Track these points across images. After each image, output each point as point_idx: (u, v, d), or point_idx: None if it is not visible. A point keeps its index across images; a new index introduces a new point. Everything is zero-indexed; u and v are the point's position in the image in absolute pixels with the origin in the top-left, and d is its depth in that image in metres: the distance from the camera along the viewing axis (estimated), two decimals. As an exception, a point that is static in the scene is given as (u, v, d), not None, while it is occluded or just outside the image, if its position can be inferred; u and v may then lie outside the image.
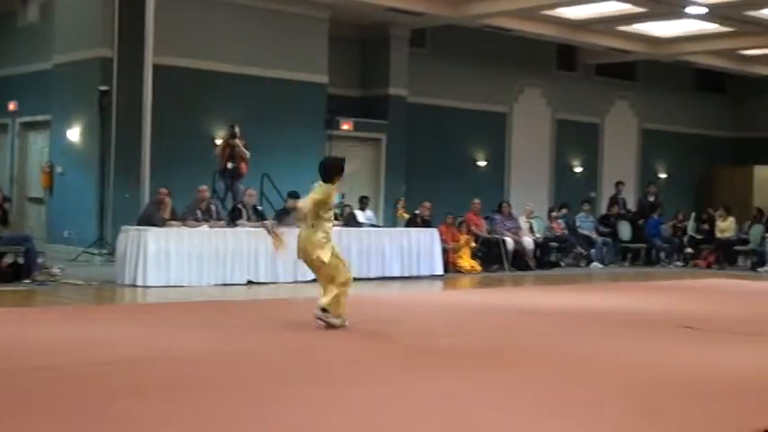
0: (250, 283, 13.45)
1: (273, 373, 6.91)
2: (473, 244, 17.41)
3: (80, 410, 5.53)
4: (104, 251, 15.94)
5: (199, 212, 13.81)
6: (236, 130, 15.73)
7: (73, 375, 6.61)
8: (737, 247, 20.30)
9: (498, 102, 23.41)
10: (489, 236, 17.84)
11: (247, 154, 15.82)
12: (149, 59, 14.92)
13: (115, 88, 16.32)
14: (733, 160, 28.24)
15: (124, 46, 16.23)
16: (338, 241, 14.38)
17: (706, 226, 20.91)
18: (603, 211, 22.48)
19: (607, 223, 20.81)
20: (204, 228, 13.39)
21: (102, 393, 6.00)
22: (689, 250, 20.73)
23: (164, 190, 13.89)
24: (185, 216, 13.74)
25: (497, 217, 18.39)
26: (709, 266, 19.98)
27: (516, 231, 18.20)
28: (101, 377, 6.55)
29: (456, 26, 20.69)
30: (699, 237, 20.80)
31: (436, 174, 21.58)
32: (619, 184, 22.08)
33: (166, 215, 13.70)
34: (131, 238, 12.84)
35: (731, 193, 25.41)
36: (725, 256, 20.22)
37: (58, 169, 17.67)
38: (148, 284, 12.52)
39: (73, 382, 6.42)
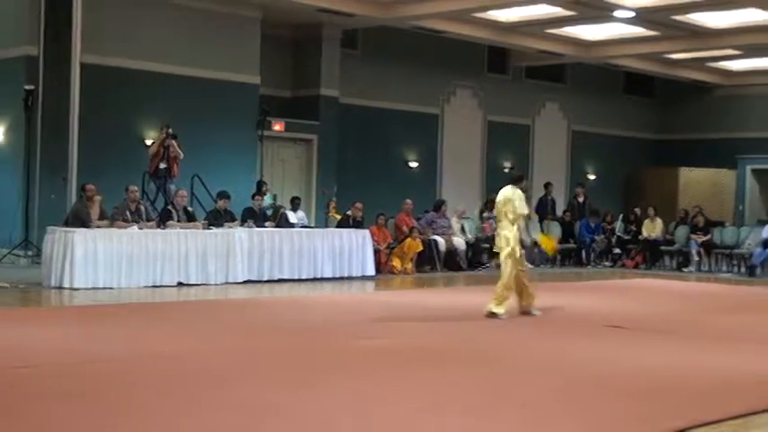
0: (180, 284, 13.32)
1: (202, 375, 6.83)
2: (420, 248, 17.31)
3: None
4: (30, 253, 15.64)
5: (128, 213, 13.60)
6: (171, 130, 15.55)
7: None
8: (664, 248, 20.65)
9: (430, 103, 23.52)
10: (422, 237, 17.87)
11: (182, 155, 15.67)
12: (77, 58, 14.69)
13: (41, 87, 15.98)
14: (660, 162, 28.74)
15: (51, 44, 15.87)
16: (270, 242, 14.50)
17: (633, 227, 21.24)
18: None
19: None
20: (134, 229, 13.20)
21: (20, 397, 5.87)
22: (617, 251, 21.03)
23: (91, 186, 13.64)
24: (114, 217, 13.53)
25: (428, 215, 18.45)
26: (636, 267, 20.29)
27: (447, 232, 18.28)
28: (21, 380, 6.41)
29: (388, 27, 20.72)
30: (626, 237, 21.12)
31: (368, 174, 21.59)
32: (547, 185, 22.29)
33: (95, 214, 13.48)
34: (58, 239, 12.60)
35: (658, 195, 25.87)
36: (651, 256, 20.55)
37: (-19, 170, 17.28)
38: (76, 287, 12.30)
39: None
